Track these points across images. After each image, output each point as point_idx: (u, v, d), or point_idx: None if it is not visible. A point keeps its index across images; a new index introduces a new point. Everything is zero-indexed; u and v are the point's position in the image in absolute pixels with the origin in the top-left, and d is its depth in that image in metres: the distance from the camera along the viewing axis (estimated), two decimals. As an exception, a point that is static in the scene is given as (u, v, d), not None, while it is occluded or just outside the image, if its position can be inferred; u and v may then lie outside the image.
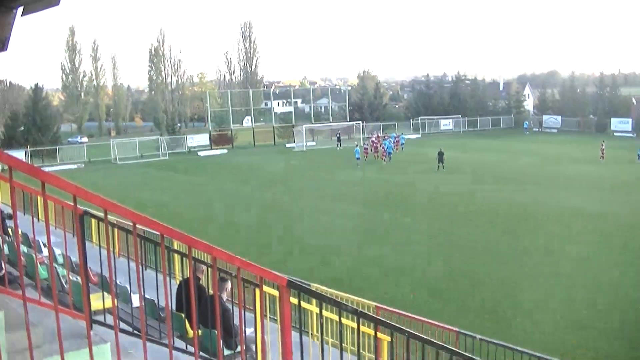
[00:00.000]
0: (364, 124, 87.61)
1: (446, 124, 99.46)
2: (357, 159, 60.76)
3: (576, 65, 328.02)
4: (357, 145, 63.54)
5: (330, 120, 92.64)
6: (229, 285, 9.25)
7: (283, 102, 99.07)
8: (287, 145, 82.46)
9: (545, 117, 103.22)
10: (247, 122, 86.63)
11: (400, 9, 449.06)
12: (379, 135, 75.43)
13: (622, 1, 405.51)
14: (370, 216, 37.66)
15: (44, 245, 13.09)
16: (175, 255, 12.93)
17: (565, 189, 45.17)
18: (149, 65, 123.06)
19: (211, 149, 79.26)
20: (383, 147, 64.41)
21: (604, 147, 61.61)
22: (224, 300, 9.08)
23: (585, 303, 22.16)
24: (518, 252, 28.80)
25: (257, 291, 7.52)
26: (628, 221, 34.55)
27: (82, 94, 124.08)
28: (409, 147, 73.93)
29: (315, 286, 16.62)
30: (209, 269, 8.99)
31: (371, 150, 66.22)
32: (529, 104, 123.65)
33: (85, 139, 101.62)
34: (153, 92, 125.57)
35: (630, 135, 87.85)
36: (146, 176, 59.27)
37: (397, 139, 73.73)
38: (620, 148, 66.97)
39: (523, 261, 27.22)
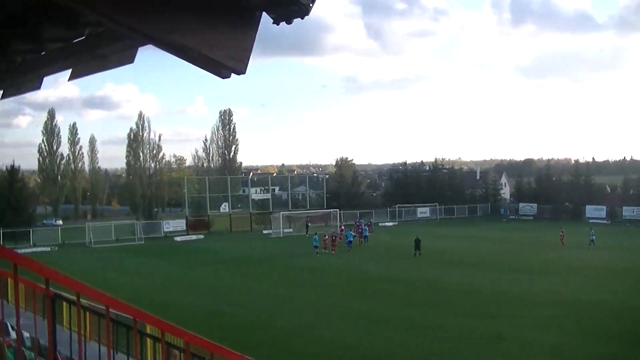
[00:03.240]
0: (342, 211, 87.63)
1: (423, 211, 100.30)
2: (315, 247, 59.64)
3: (551, 154, 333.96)
4: (315, 234, 63.22)
5: (308, 207, 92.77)
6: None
7: (261, 189, 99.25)
8: (264, 231, 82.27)
9: (521, 204, 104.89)
10: (225, 208, 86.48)
11: (376, 97, 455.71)
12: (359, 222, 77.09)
13: (592, 92, 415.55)
14: (338, 303, 37.10)
15: (12, 328, 12.88)
16: (148, 339, 12.75)
17: (532, 273, 45.70)
18: (128, 150, 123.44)
19: (187, 234, 78.84)
20: (359, 231, 66.96)
21: (563, 233, 64.98)
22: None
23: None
24: (492, 338, 28.60)
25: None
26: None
27: (59, 177, 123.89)
28: (385, 234, 73.96)
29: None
30: (182, 353, 8.84)
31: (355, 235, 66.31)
32: (505, 192, 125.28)
33: (60, 222, 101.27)
34: (131, 177, 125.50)
35: (605, 222, 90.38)
36: (120, 260, 58.61)
37: (359, 227, 72.79)
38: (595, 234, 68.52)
39: (496, 347, 27.04)
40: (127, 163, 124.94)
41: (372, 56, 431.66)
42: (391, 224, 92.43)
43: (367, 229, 70.87)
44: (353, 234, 66.08)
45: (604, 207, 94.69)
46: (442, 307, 35.52)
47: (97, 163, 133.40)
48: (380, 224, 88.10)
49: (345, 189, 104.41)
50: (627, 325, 30.93)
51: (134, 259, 59.40)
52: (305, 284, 44.37)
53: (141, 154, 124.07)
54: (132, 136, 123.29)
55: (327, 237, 62.47)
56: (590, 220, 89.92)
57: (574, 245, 62.26)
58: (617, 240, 67.28)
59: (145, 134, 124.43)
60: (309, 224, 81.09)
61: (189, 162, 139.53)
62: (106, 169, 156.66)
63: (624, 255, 56.50)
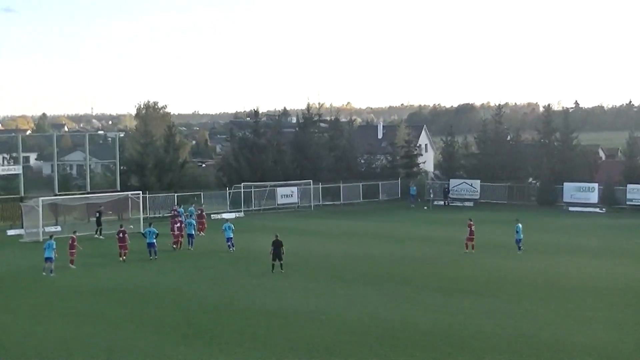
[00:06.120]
0: (148, 194, 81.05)
1: (287, 193, 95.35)
2: (48, 259, 51.75)
3: (505, 96, 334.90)
4: (50, 237, 55.34)
5: (88, 188, 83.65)
6: None
7: (4, 159, 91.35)
8: (10, 232, 74.37)
9: (453, 182, 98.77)
10: (-63, 191, 79.50)
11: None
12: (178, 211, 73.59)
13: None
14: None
15: None
16: None
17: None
18: None
19: None
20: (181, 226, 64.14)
21: (471, 227, 57.97)
22: None
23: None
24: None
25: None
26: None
27: None
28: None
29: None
30: None
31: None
32: (427, 161, 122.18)
33: None
34: None
35: (597, 209, 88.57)
36: None
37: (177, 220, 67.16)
38: (571, 232, 66.80)
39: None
40: None
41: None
42: (234, 215, 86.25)
43: (194, 223, 66.47)
44: (156, 231, 59.59)
45: (595, 186, 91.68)
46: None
47: None
48: (213, 216, 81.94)
49: (154, 157, 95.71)
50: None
51: None
52: (88, 315, 39.53)
53: None
54: None
55: (74, 239, 56.26)
56: (571, 208, 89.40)
57: (493, 247, 59.31)
58: (602, 241, 64.04)
59: None
60: (101, 216, 72.81)
61: None
62: None
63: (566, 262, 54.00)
